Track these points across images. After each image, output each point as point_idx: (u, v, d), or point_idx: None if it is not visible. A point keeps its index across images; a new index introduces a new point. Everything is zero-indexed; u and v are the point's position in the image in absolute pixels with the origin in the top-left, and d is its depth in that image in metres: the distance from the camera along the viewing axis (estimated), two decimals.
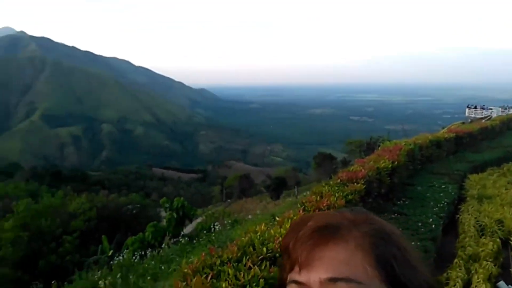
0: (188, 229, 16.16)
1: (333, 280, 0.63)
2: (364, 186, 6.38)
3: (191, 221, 14.42)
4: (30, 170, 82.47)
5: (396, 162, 8.68)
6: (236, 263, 2.43)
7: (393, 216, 7.37)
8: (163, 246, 10.31)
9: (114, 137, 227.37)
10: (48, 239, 20.55)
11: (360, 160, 9.35)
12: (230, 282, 2.04)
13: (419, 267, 0.69)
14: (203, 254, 2.46)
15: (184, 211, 12.18)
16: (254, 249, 2.72)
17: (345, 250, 0.66)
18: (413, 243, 5.88)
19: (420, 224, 6.82)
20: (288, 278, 0.71)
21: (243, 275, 2.13)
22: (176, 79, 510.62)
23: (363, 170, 7.27)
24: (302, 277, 0.67)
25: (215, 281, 2.00)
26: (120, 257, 10.05)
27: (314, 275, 0.65)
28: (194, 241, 9.69)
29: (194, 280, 1.94)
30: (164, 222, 12.67)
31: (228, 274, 2.20)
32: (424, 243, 5.90)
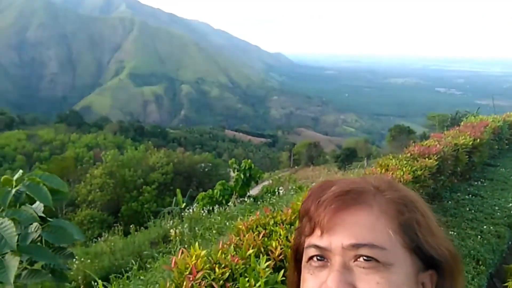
0: (254, 190, 16.79)
1: (356, 246, 0.62)
2: (437, 162, 5.92)
3: (257, 183, 14.89)
4: (117, 124, 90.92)
5: (478, 140, 7.91)
6: (289, 225, 2.49)
7: (466, 197, 6.84)
8: (229, 204, 10.87)
9: (192, 98, 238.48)
10: (131, 188, 22.89)
11: (437, 134, 8.67)
12: (280, 242, 2.11)
13: (441, 235, 0.69)
14: (257, 213, 2.58)
15: (251, 173, 12.59)
16: None
17: (368, 215, 0.65)
18: (485, 227, 5.44)
19: (496, 208, 6.25)
20: (307, 242, 0.70)
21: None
22: (253, 43, 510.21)
23: (438, 145, 6.74)
24: (323, 241, 0.66)
25: (266, 239, 2.10)
26: (191, 210, 10.86)
27: (336, 240, 0.64)
28: (258, 202, 10.05)
29: (246, 236, 2.07)
30: (232, 182, 13.25)
31: (280, 234, 2.26)
32: (498, 229, 5.42)
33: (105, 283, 4.38)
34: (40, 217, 1.63)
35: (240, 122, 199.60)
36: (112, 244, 8.83)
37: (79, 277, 6.38)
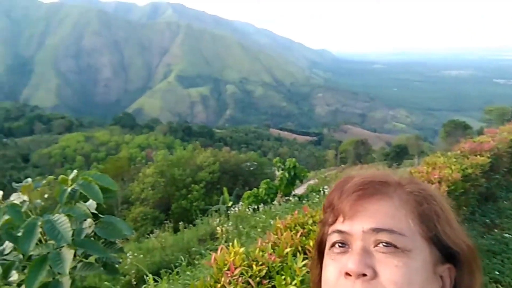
0: (299, 189, 16.67)
1: (376, 230, 0.65)
2: (490, 160, 5.53)
3: (302, 182, 14.77)
4: (167, 125, 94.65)
5: None
6: None
7: None
8: (274, 202, 10.89)
9: (236, 97, 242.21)
10: (180, 186, 23.69)
11: (491, 130, 8.07)
12: None
13: (459, 229, 0.71)
14: (296, 212, 2.57)
15: (295, 172, 12.51)
16: None
17: (389, 205, 0.68)
18: None
19: None
20: (330, 229, 0.72)
21: None
22: (296, 41, 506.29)
23: (491, 141, 6.28)
24: (345, 226, 0.69)
25: (304, 238, 2.10)
26: (236, 209, 11.03)
27: (358, 224, 0.67)
28: (304, 201, 9.97)
29: (284, 234, 2.08)
30: (277, 181, 13.24)
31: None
32: None
33: (156, 277, 4.58)
34: (92, 213, 1.75)
35: (285, 121, 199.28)
36: (163, 240, 9.21)
37: (132, 271, 6.72)
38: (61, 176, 1.80)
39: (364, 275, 0.62)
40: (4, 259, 1.60)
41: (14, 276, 1.65)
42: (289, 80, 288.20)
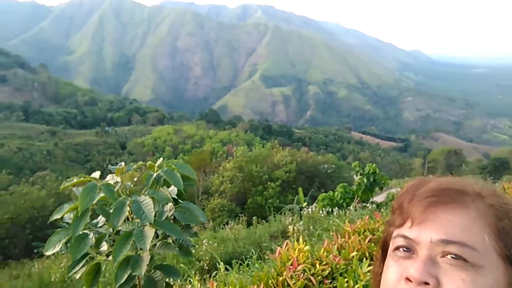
0: (379, 197, 15.88)
1: (446, 242, 0.60)
2: None
3: (381, 189, 14.05)
4: (248, 122, 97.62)
5: None
6: None
7: None
8: (350, 207, 10.57)
9: (318, 98, 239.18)
10: (256, 182, 24.29)
11: None
12: None
13: None
14: (367, 217, 2.48)
15: (375, 178, 11.97)
16: None
17: (464, 216, 0.63)
18: None
19: None
20: (396, 232, 0.69)
21: None
22: (386, 41, 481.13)
23: None
24: (412, 232, 0.65)
25: (372, 244, 2.02)
26: (310, 209, 10.95)
27: (426, 233, 0.63)
28: (382, 210, 9.51)
29: (352, 238, 2.03)
30: (354, 186, 12.83)
31: None
32: None
33: (227, 266, 4.81)
34: (173, 199, 1.93)
35: (368, 124, 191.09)
36: (236, 232, 9.56)
37: (206, 258, 7.12)
38: (149, 162, 2.01)
39: (426, 283, 0.59)
40: (98, 231, 1.84)
41: (104, 247, 1.90)
42: (376, 82, 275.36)
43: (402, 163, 68.01)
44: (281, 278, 1.59)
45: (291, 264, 1.68)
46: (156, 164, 1.98)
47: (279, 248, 1.88)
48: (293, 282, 1.56)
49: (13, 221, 20.05)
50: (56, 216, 1.81)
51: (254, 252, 6.21)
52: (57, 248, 1.75)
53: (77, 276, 1.80)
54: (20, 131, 78.33)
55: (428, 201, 0.65)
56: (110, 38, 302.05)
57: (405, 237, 0.65)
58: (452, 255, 0.60)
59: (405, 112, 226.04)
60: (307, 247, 1.80)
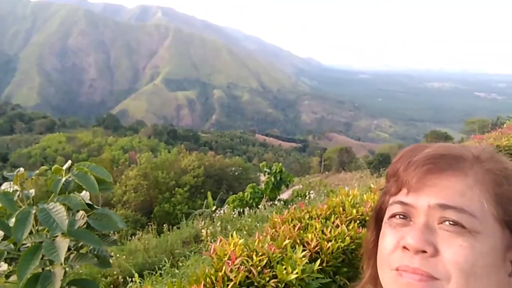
0: (284, 195, 16.71)
1: (443, 206, 0.60)
2: None
3: (287, 188, 14.82)
4: (152, 127, 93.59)
5: None
6: (324, 220, 2.52)
7: None
8: (259, 206, 10.90)
9: (223, 102, 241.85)
10: (163, 189, 23.45)
11: (477, 136, 8.30)
12: (316, 235, 2.14)
13: None
14: (293, 207, 2.60)
15: (281, 177, 12.57)
16: (344, 210, 2.74)
17: (462, 182, 0.62)
18: None
19: None
20: (392, 199, 0.67)
21: (330, 231, 2.20)
22: (284, 48, 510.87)
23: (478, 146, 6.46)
24: (409, 199, 0.64)
25: (302, 232, 2.13)
26: (221, 212, 11.00)
27: (424, 198, 0.62)
28: (289, 206, 10.01)
29: (282, 227, 2.11)
30: (262, 185, 13.28)
31: (315, 228, 2.28)
32: None
33: (139, 278, 4.54)
34: (87, 205, 1.73)
35: (271, 127, 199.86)
36: (146, 242, 9.09)
37: (114, 273, 6.61)
38: (55, 166, 1.78)
39: (424, 251, 0.58)
40: None
41: (3, 266, 1.62)
42: (276, 86, 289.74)
43: (302, 162, 72.76)
44: (220, 274, 1.56)
45: (229, 259, 1.67)
46: (64, 167, 1.76)
47: (213, 244, 1.84)
48: (233, 275, 1.55)
49: None
50: None
51: (166, 260, 5.99)
52: None
53: None
54: None
55: (425, 168, 0.63)
56: None
57: (401, 203, 0.64)
58: (450, 221, 0.59)
59: (302, 114, 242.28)
60: (242, 241, 1.80)
